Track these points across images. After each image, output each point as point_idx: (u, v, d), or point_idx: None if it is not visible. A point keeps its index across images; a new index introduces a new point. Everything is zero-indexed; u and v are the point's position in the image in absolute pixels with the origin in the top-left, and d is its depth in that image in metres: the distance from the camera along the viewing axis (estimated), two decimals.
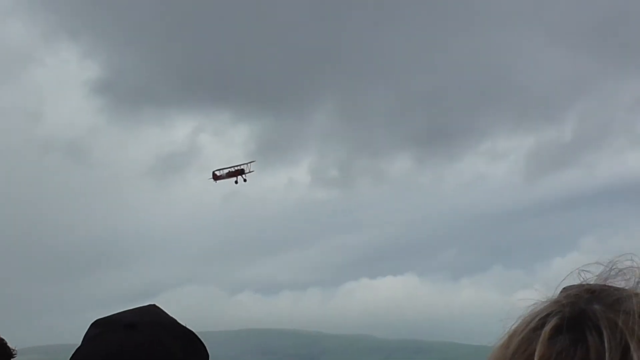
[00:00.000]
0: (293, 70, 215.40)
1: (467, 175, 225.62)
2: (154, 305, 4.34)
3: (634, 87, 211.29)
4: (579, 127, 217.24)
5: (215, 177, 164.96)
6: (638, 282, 2.40)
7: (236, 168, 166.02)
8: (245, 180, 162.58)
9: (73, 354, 4.21)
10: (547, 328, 2.83)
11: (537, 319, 2.89)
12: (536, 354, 2.82)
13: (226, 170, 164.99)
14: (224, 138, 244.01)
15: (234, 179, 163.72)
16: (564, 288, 2.57)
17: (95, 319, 4.22)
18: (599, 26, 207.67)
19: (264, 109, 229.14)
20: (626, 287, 2.60)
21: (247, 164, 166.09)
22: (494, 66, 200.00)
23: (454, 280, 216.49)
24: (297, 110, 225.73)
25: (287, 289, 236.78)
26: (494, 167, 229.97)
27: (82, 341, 4.23)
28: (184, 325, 4.27)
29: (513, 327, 2.90)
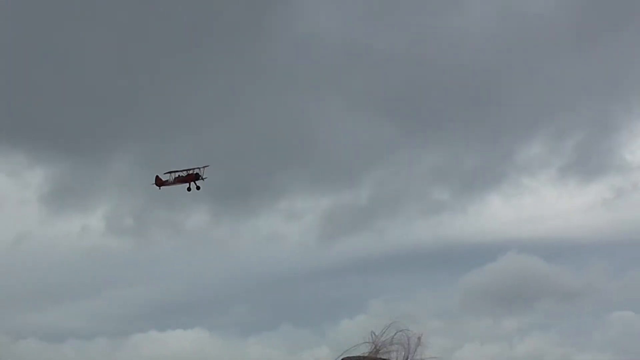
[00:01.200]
0: (94, 116, 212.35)
1: (263, 233, 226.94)
2: None
3: (430, 157, 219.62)
4: (374, 192, 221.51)
5: (160, 183, 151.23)
6: (406, 357, 2.45)
7: (188, 172, 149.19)
8: (198, 188, 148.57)
9: None
10: None
11: None
12: None
13: (176, 175, 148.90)
14: (18, 180, 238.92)
15: (185, 185, 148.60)
16: (343, 359, 2.62)
17: None
18: (401, 96, 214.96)
19: (62, 152, 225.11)
20: None
21: (200, 168, 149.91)
22: (296, 128, 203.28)
23: (244, 337, 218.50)
24: (96, 156, 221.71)
25: (73, 337, 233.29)
26: (290, 226, 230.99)
27: None
28: None
29: None
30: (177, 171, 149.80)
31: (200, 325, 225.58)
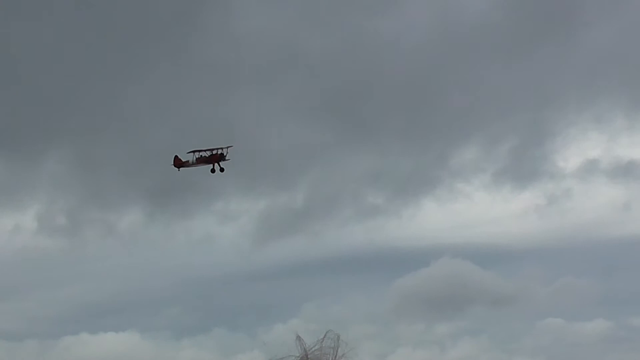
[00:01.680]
0: (27, 114, 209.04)
1: (197, 234, 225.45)
2: None
3: (365, 160, 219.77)
4: (310, 195, 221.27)
5: (179, 164, 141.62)
6: None
7: (213, 152, 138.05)
8: (222, 170, 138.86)
9: None
10: None
11: None
12: None
13: (198, 155, 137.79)
14: None
15: (208, 166, 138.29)
16: None
17: None
18: (337, 98, 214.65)
19: None
20: None
21: (224, 148, 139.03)
22: (231, 128, 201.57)
23: (176, 340, 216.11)
24: (29, 155, 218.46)
25: (2, 339, 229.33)
26: (225, 228, 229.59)
27: None
28: None
29: None
30: (200, 151, 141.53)
31: (132, 328, 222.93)
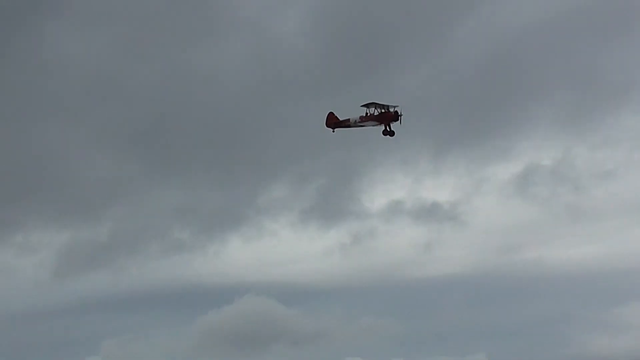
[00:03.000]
0: None
1: None
2: None
3: (172, 196, 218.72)
4: (114, 229, 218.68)
5: (334, 123, 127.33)
6: None
7: (383, 110, 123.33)
8: (392, 134, 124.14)
9: None
10: None
11: None
12: None
13: (370, 111, 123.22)
14: None
15: (380, 127, 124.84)
16: None
17: None
18: (147, 132, 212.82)
19: None
20: None
21: (397, 107, 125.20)
22: (34, 158, 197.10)
23: None
24: None
25: None
26: (24, 260, 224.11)
27: None
28: None
29: None
30: (377, 105, 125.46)
31: None
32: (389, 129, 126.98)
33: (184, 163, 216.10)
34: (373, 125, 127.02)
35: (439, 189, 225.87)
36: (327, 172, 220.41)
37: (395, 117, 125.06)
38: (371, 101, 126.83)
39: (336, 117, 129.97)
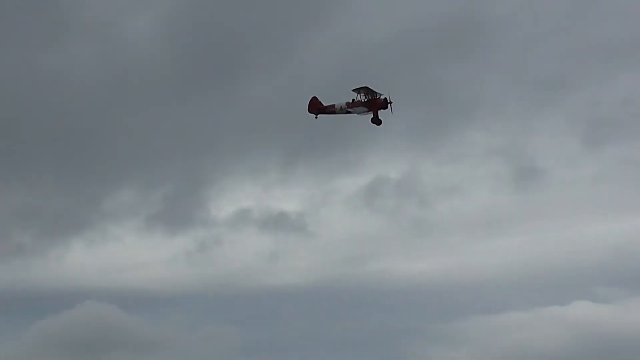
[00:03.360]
0: None
1: None
2: None
3: (12, 197, 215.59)
4: None
5: (317, 109, 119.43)
6: None
7: (373, 97, 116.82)
8: (380, 122, 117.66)
9: None
10: None
11: None
12: None
13: (359, 97, 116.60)
14: None
15: (369, 114, 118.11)
16: None
17: None
18: None
19: None
20: None
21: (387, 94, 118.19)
22: None
23: None
24: None
25: None
26: None
27: None
28: None
29: None
30: (368, 90, 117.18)
31: None
32: (377, 117, 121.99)
33: (26, 165, 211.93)
34: (360, 113, 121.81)
35: (287, 199, 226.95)
36: (176, 179, 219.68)
37: (385, 104, 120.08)
38: (363, 85, 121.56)
39: (320, 102, 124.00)
